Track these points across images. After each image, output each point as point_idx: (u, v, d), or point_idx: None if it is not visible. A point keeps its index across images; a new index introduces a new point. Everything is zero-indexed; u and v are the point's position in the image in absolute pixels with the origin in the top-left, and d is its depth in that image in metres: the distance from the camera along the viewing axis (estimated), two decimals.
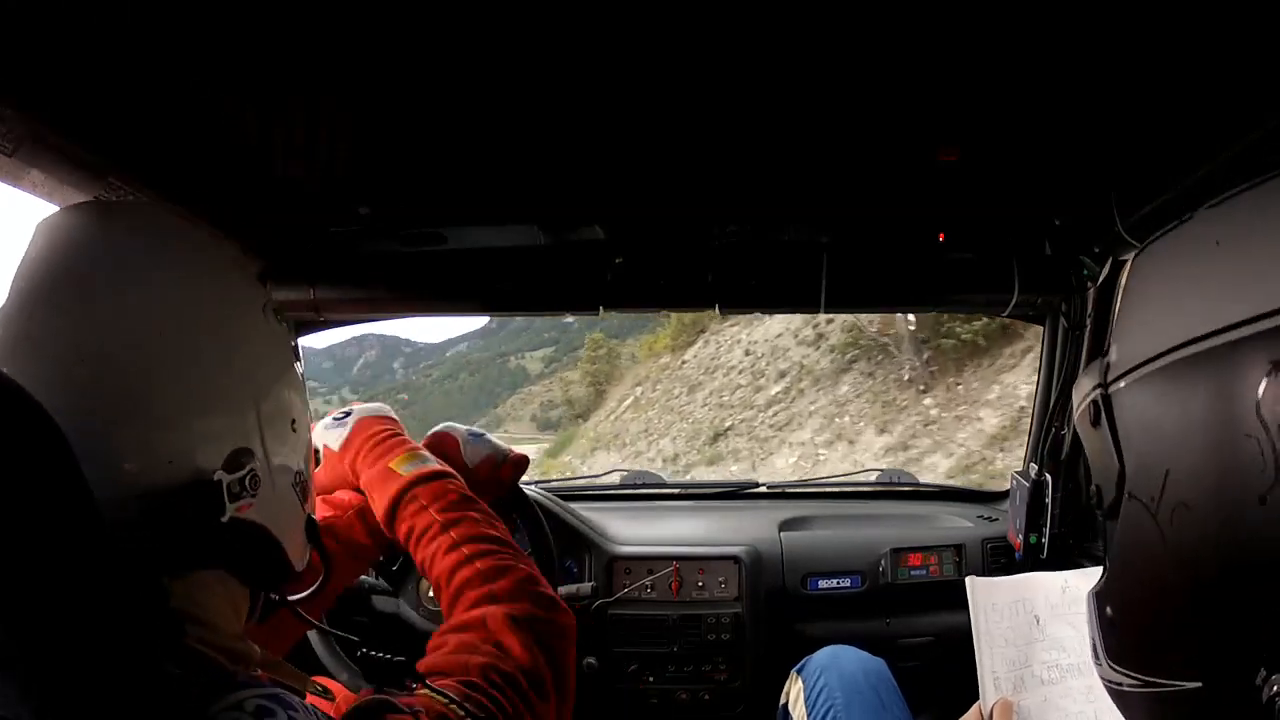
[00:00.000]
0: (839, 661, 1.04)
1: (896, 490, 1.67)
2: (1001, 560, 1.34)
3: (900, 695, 1.03)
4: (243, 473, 0.53)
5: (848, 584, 1.34)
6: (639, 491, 1.68)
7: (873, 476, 1.73)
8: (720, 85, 0.66)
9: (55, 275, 0.51)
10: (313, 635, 1.08)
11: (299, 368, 0.65)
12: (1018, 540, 1.28)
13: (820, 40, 0.58)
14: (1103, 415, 0.48)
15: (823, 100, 0.69)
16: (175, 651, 0.45)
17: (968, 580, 0.86)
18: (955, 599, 1.26)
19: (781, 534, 1.39)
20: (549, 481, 1.66)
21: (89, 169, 0.68)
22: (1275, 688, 0.35)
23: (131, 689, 0.37)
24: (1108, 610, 0.49)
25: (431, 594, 1.18)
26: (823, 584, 1.34)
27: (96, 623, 0.37)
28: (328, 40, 0.57)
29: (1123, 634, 0.48)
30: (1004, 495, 1.48)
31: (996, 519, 1.44)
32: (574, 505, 1.43)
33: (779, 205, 1.01)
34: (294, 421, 0.60)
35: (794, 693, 1.07)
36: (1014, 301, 1.12)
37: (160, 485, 0.48)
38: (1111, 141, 0.78)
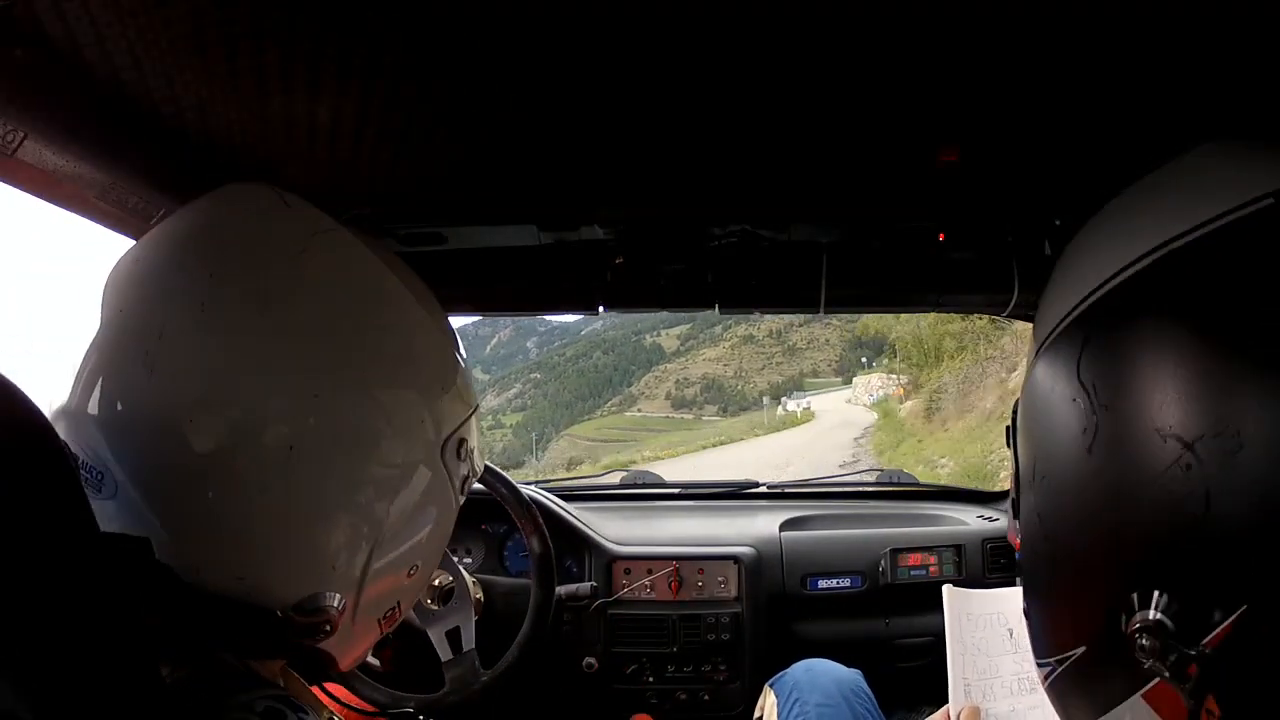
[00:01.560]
0: (813, 674, 1.05)
1: (896, 490, 1.67)
2: (1001, 560, 1.34)
3: (875, 705, 1.03)
4: (316, 619, 0.46)
5: (848, 584, 1.34)
6: (639, 491, 1.68)
7: (873, 476, 1.73)
8: (719, 85, 0.66)
9: (192, 298, 0.45)
10: None
11: (459, 503, 0.55)
12: (1017, 540, 1.28)
13: (820, 40, 0.58)
14: (1009, 426, 0.54)
15: (822, 100, 0.69)
16: (190, 653, 0.45)
17: (944, 589, 0.87)
18: None
19: (781, 534, 1.39)
20: (549, 481, 1.66)
21: (90, 169, 0.68)
22: (1136, 625, 0.39)
23: (130, 688, 0.37)
24: (1024, 606, 0.53)
25: (436, 584, 1.18)
26: (823, 584, 1.34)
27: (92, 626, 0.37)
28: (325, 40, 0.57)
29: (1033, 623, 0.51)
30: (1004, 495, 1.48)
31: (996, 519, 1.44)
32: (574, 505, 1.43)
33: (779, 205, 1.01)
34: (415, 566, 0.53)
35: (767, 706, 1.07)
36: (1014, 301, 1.12)
37: (222, 594, 0.44)
38: (1112, 141, 0.78)
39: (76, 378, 0.46)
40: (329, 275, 0.50)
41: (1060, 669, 0.47)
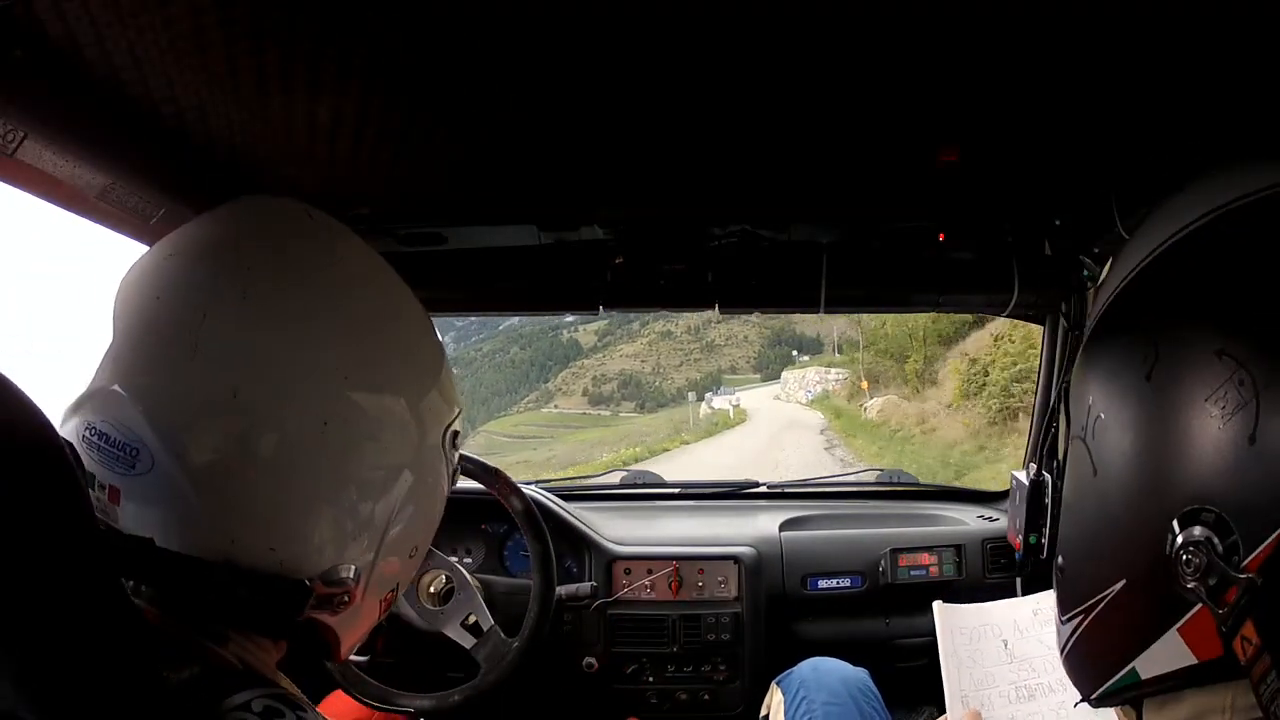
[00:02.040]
0: (819, 673, 1.05)
1: (896, 490, 1.67)
2: (1001, 560, 1.34)
3: (882, 704, 1.03)
4: (337, 591, 0.50)
5: (848, 584, 1.34)
6: (639, 491, 1.68)
7: (872, 476, 1.73)
8: (719, 85, 0.66)
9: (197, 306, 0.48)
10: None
11: (448, 491, 0.61)
12: (1018, 540, 1.28)
13: (820, 40, 0.58)
14: (1059, 395, 0.53)
15: (822, 100, 0.69)
16: (191, 652, 0.45)
17: (934, 605, 0.87)
18: (954, 599, 1.25)
19: (781, 534, 1.39)
20: (549, 481, 1.66)
21: (90, 169, 0.68)
22: (1179, 541, 0.40)
23: (131, 688, 0.37)
24: (1059, 561, 0.53)
25: (432, 591, 1.18)
26: (823, 584, 1.34)
27: (93, 626, 0.37)
28: (325, 40, 0.57)
29: (1068, 573, 0.52)
30: (1004, 495, 1.48)
31: (996, 519, 1.44)
32: (574, 505, 1.43)
33: (779, 205, 1.01)
34: (415, 549, 0.57)
35: (774, 704, 1.07)
36: (1014, 301, 1.12)
37: (253, 567, 0.46)
38: (1111, 141, 0.78)
39: (112, 358, 0.49)
40: (355, 283, 0.55)
41: (1088, 619, 0.48)
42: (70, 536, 0.36)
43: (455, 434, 0.59)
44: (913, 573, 1.33)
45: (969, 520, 1.44)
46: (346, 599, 0.51)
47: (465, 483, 1.28)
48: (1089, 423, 0.49)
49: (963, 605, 0.89)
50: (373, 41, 0.58)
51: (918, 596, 1.32)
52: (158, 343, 0.48)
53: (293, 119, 0.70)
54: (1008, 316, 1.26)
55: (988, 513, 1.47)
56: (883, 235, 1.11)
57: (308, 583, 0.48)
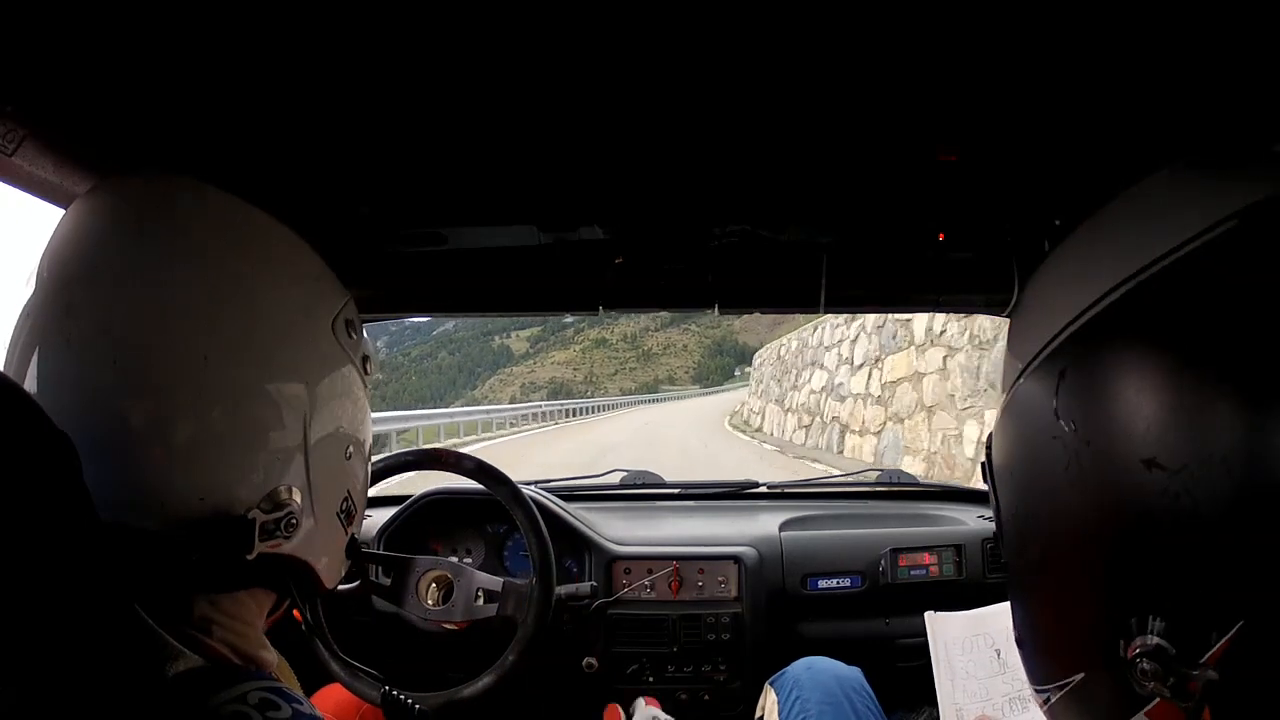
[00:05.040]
0: (813, 672, 1.05)
1: (896, 490, 1.67)
2: (1001, 560, 1.34)
3: (876, 703, 1.03)
4: (280, 514, 0.50)
5: (848, 584, 1.34)
6: (639, 491, 1.68)
7: (873, 476, 1.73)
8: (719, 85, 0.66)
9: (79, 262, 0.48)
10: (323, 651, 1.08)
11: (367, 384, 0.60)
12: None
13: (819, 40, 0.58)
14: (984, 463, 0.54)
15: (821, 100, 0.69)
16: (186, 645, 0.45)
17: (926, 615, 0.86)
18: (954, 599, 1.25)
19: (781, 534, 1.39)
20: (549, 481, 1.66)
21: (91, 169, 0.68)
22: (1135, 650, 0.39)
23: (130, 686, 0.37)
24: (1016, 635, 0.53)
25: (431, 594, 1.18)
26: (823, 584, 1.34)
27: (88, 625, 0.37)
28: (325, 39, 0.57)
29: (1029, 652, 0.51)
30: None
31: None
32: (574, 505, 1.43)
33: (779, 205, 1.01)
34: (349, 449, 0.57)
35: (768, 705, 1.07)
36: (1014, 301, 1.12)
37: (190, 517, 0.46)
38: (1111, 142, 0.78)
39: (9, 353, 0.48)
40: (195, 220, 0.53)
41: (1059, 695, 0.47)
42: (71, 532, 0.36)
43: (349, 322, 0.58)
44: (913, 573, 1.33)
45: (969, 520, 1.44)
46: (294, 521, 0.51)
47: (463, 482, 1.28)
48: (1020, 515, 0.48)
49: (954, 614, 0.88)
50: (373, 41, 0.58)
51: (918, 596, 1.32)
52: (42, 334, 0.47)
53: (293, 118, 0.70)
54: (1008, 316, 1.25)
55: (988, 513, 1.47)
56: (882, 235, 1.11)
57: (249, 515, 0.48)
